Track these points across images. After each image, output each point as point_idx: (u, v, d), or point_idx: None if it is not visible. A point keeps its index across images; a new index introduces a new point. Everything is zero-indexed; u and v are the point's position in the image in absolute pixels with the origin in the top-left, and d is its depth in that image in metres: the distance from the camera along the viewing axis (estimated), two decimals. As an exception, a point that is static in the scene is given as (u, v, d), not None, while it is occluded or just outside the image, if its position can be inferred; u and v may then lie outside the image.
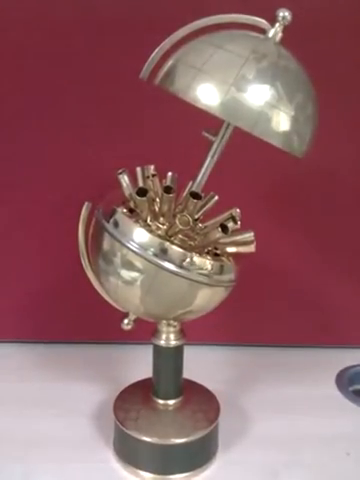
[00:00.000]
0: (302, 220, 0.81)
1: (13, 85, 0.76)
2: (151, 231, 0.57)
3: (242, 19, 0.56)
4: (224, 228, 0.56)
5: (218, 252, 0.60)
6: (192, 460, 0.63)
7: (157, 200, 0.60)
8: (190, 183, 0.61)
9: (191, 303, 0.58)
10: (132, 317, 0.63)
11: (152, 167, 0.62)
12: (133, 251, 0.55)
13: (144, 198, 0.56)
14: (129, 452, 0.63)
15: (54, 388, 0.76)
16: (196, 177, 0.59)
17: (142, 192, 0.56)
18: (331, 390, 0.77)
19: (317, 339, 0.85)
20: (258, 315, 0.84)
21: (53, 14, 0.74)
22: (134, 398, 0.66)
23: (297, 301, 0.84)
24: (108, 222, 0.57)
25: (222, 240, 0.58)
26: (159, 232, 0.57)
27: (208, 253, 0.59)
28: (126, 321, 0.63)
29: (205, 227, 0.60)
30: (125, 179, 0.59)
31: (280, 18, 0.55)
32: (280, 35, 0.55)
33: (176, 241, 0.56)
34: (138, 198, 0.57)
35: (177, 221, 0.55)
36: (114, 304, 0.62)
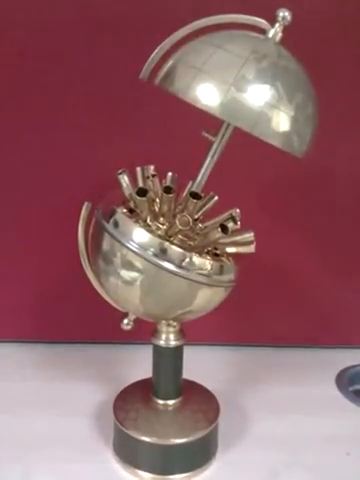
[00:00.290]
0: (302, 220, 0.81)
1: (13, 85, 0.76)
2: (151, 231, 0.57)
3: (242, 19, 0.56)
4: (224, 228, 0.56)
5: (218, 252, 0.60)
6: (192, 460, 0.63)
7: (157, 200, 0.60)
8: (190, 183, 0.61)
9: (191, 303, 0.58)
10: (132, 317, 0.63)
11: (152, 167, 0.62)
12: (133, 251, 0.55)
13: (144, 198, 0.56)
14: (129, 452, 0.63)
15: (54, 388, 0.76)
16: (196, 177, 0.59)
17: (142, 192, 0.56)
18: (331, 390, 0.77)
19: (317, 339, 0.85)
20: (258, 315, 0.84)
21: (53, 14, 0.74)
22: (134, 398, 0.66)
23: (297, 301, 0.84)
24: (108, 222, 0.57)
25: (222, 240, 0.58)
26: (159, 232, 0.57)
27: (208, 253, 0.59)
28: (126, 321, 0.63)
29: (205, 227, 0.60)
30: (125, 179, 0.59)
31: (280, 18, 0.55)
32: (280, 35, 0.55)
33: (176, 241, 0.56)
34: (138, 198, 0.57)
35: (177, 221, 0.55)
36: (114, 304, 0.62)
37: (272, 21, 0.55)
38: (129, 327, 0.63)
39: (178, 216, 0.55)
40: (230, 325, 0.83)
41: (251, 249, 0.59)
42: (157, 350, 0.64)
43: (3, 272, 0.83)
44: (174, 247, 0.56)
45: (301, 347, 0.85)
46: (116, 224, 0.57)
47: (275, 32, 0.55)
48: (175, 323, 0.63)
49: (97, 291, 0.63)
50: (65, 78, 0.75)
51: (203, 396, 0.67)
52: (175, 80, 0.53)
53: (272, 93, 0.52)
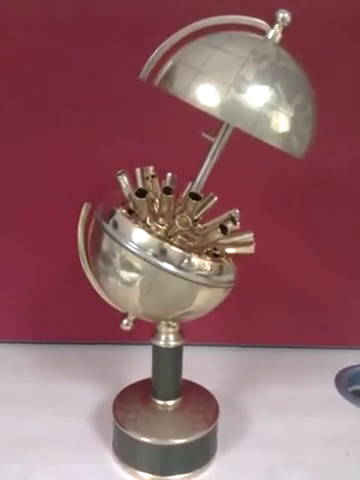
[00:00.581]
0: (301, 221, 0.81)
1: (13, 85, 0.76)
2: (150, 232, 0.57)
3: (241, 20, 0.56)
4: (223, 229, 0.56)
5: (217, 253, 0.60)
6: (191, 461, 0.63)
7: (156, 201, 0.60)
8: (189, 184, 0.61)
9: (190, 304, 0.58)
10: (131, 318, 0.63)
11: (151, 168, 0.62)
12: (132, 252, 0.55)
13: (143, 199, 0.56)
14: (128, 453, 0.63)
15: (53, 388, 0.76)
16: (195, 178, 0.59)
17: (141, 193, 0.56)
18: (330, 391, 0.77)
19: (316, 340, 0.86)
20: (257, 316, 0.84)
21: (53, 14, 0.74)
22: (133, 399, 0.66)
23: (297, 302, 0.84)
24: (107, 223, 0.57)
25: (221, 241, 0.58)
26: (158, 233, 0.57)
27: (207, 254, 0.59)
28: (125, 322, 0.63)
29: (204, 228, 0.60)
30: (124, 180, 0.59)
31: (279, 19, 0.55)
32: (279, 36, 0.55)
33: (175, 242, 0.56)
34: (137, 199, 0.57)
35: (176, 222, 0.55)
36: (113, 305, 0.62)
37: (271, 22, 0.55)
38: (128, 327, 0.63)
39: (177, 217, 0.55)
40: (230, 326, 0.83)
41: (251, 250, 0.59)
42: (156, 350, 0.64)
43: (2, 272, 0.83)
44: (173, 248, 0.56)
45: (300, 348, 0.85)
46: (115, 225, 0.57)
47: (274, 33, 0.55)
48: (174, 324, 0.63)
49: (96, 292, 0.63)
50: (65, 78, 0.75)
51: (202, 396, 0.67)
52: (175, 81, 0.53)
53: (271, 94, 0.52)
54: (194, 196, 0.57)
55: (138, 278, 0.56)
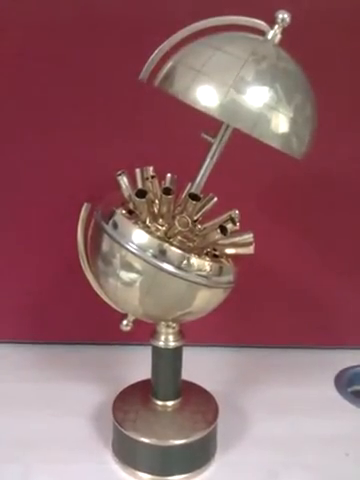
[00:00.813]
0: (301, 221, 0.81)
1: (13, 86, 0.76)
2: (150, 232, 0.57)
3: (241, 21, 0.56)
4: (223, 229, 0.56)
5: (217, 253, 0.60)
6: (191, 461, 0.63)
7: (156, 201, 0.60)
8: (189, 184, 0.61)
9: (190, 304, 0.58)
10: (131, 318, 0.63)
11: (151, 168, 0.62)
12: (132, 252, 0.55)
13: (143, 199, 0.56)
14: (128, 453, 0.63)
15: (53, 389, 0.76)
16: (195, 178, 0.59)
17: (141, 193, 0.56)
18: (330, 391, 0.78)
19: (316, 340, 0.86)
20: (257, 316, 0.84)
21: (53, 15, 0.74)
22: (133, 399, 0.66)
23: (296, 302, 0.84)
24: (107, 223, 0.57)
25: (221, 241, 0.58)
26: (158, 233, 0.57)
27: (207, 254, 0.59)
28: (125, 322, 0.63)
29: (204, 228, 0.60)
30: (124, 180, 0.59)
31: (279, 20, 0.55)
32: (279, 37, 0.55)
33: (175, 242, 0.56)
34: (137, 199, 0.57)
35: (176, 222, 0.55)
36: (113, 305, 0.62)
37: (271, 23, 0.55)
38: (128, 328, 0.63)
39: (177, 217, 0.55)
40: (229, 326, 0.83)
41: (250, 250, 0.59)
42: (156, 351, 0.64)
43: (2, 272, 0.83)
44: (173, 248, 0.56)
45: (300, 348, 0.85)
46: (115, 225, 0.57)
47: (274, 34, 0.55)
48: (174, 324, 0.63)
49: (96, 292, 0.63)
50: (65, 78, 0.75)
51: (202, 397, 0.67)
52: (174, 81, 0.53)
53: (271, 95, 0.52)
54: (194, 197, 0.57)
55: (138, 279, 0.56)
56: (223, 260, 0.60)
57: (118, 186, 0.59)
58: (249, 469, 0.64)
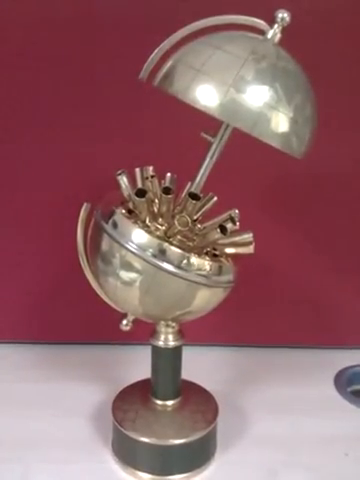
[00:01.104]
0: (301, 221, 0.81)
1: (12, 86, 0.76)
2: (150, 232, 0.57)
3: (241, 20, 0.56)
4: (223, 229, 0.56)
5: (217, 253, 0.60)
6: (191, 461, 0.63)
7: (156, 201, 0.60)
8: (189, 184, 0.61)
9: (190, 304, 0.58)
10: (131, 318, 0.63)
11: (151, 168, 0.62)
12: (132, 252, 0.55)
13: (143, 199, 0.56)
14: (128, 453, 0.63)
15: (53, 389, 0.76)
16: (195, 178, 0.59)
17: (141, 193, 0.56)
18: (330, 391, 0.78)
19: (316, 340, 0.86)
20: (257, 316, 0.84)
21: (52, 14, 0.74)
22: (133, 399, 0.66)
23: (296, 302, 0.84)
24: (107, 223, 0.57)
25: (221, 241, 0.58)
26: (158, 233, 0.57)
27: (207, 254, 0.59)
28: (125, 322, 0.63)
29: (204, 228, 0.60)
30: (124, 180, 0.59)
31: (279, 19, 0.55)
32: (279, 36, 0.55)
33: (175, 242, 0.56)
34: (137, 199, 0.57)
35: (176, 222, 0.55)
36: (113, 305, 0.62)
37: (271, 22, 0.55)
38: (128, 328, 0.63)
39: (177, 217, 0.55)
40: (229, 326, 0.83)
41: (250, 250, 0.59)
42: (156, 351, 0.64)
43: (2, 272, 0.83)
44: (173, 248, 0.56)
45: (300, 347, 0.85)
46: (115, 225, 0.57)
47: (274, 33, 0.55)
48: (174, 324, 0.63)
49: (96, 292, 0.63)
50: (65, 78, 0.75)
51: (202, 396, 0.67)
52: (174, 81, 0.53)
53: (271, 94, 0.52)
54: (193, 196, 0.57)
55: (137, 278, 0.56)
56: (223, 259, 0.60)
57: (118, 186, 0.59)
58: (249, 468, 0.64)
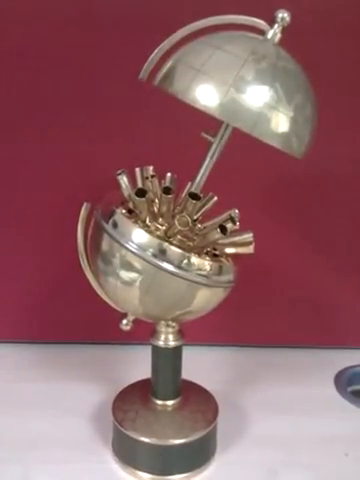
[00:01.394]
0: (301, 221, 0.81)
1: (12, 85, 0.76)
2: (150, 232, 0.57)
3: (241, 20, 0.56)
4: (223, 229, 0.56)
5: (217, 253, 0.60)
6: (191, 461, 0.63)
7: (156, 201, 0.60)
8: (189, 184, 0.61)
9: (190, 304, 0.58)
10: (131, 318, 0.63)
11: (151, 168, 0.62)
12: (132, 252, 0.55)
13: (143, 199, 0.56)
14: (128, 453, 0.63)
15: (53, 388, 0.76)
16: (195, 178, 0.59)
17: (141, 193, 0.56)
18: (330, 391, 0.78)
19: (316, 340, 0.86)
20: (257, 316, 0.84)
21: (52, 14, 0.74)
22: (133, 399, 0.66)
23: (296, 302, 0.84)
24: (107, 223, 0.57)
25: (221, 241, 0.58)
26: (158, 233, 0.57)
27: (207, 254, 0.59)
28: (125, 322, 0.63)
29: (204, 228, 0.60)
30: (124, 180, 0.59)
31: (279, 19, 0.55)
32: (279, 36, 0.55)
33: (175, 242, 0.56)
34: (137, 199, 0.57)
35: (176, 222, 0.55)
36: (113, 305, 0.62)
37: (271, 22, 0.55)
38: (128, 327, 0.63)
39: (177, 217, 0.55)
40: (229, 325, 0.83)
41: (250, 250, 0.59)
42: (156, 350, 0.64)
43: (2, 272, 0.83)
44: (173, 248, 0.56)
45: (300, 347, 0.85)
46: (115, 225, 0.57)
47: (274, 33, 0.55)
48: (174, 323, 0.63)
49: (96, 291, 0.63)
50: (65, 78, 0.75)
51: (202, 396, 0.67)
52: (174, 81, 0.53)
53: (271, 94, 0.52)
54: (194, 196, 0.57)
55: (138, 278, 0.56)
56: (223, 259, 0.60)
57: (118, 185, 0.59)
58: (249, 468, 0.64)
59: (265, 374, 0.80)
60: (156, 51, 0.58)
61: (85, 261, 0.62)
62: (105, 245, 0.58)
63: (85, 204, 0.61)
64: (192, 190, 0.59)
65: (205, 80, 0.52)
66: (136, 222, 0.57)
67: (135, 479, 0.63)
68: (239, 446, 0.68)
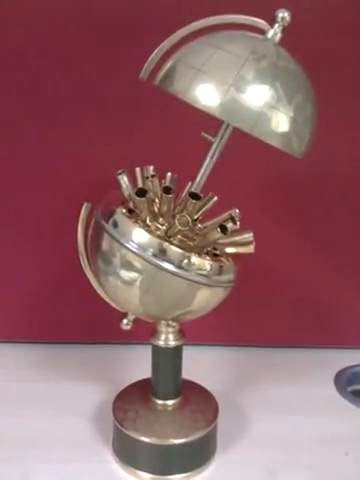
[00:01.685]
0: (301, 221, 0.81)
1: (13, 85, 0.76)
2: (150, 231, 0.57)
3: (241, 20, 0.56)
4: (223, 229, 0.56)
5: (217, 252, 0.60)
6: (191, 460, 0.63)
7: (156, 201, 0.60)
8: (189, 183, 0.61)
9: (190, 303, 0.58)
10: (131, 317, 0.63)
11: (151, 168, 0.62)
12: (132, 251, 0.55)
13: (143, 198, 0.56)
14: (128, 452, 0.63)
15: (53, 388, 0.76)
16: (195, 177, 0.59)
17: (141, 192, 0.57)
18: (330, 390, 0.78)
19: (316, 339, 0.86)
20: (257, 315, 0.84)
21: (52, 14, 0.74)
22: (133, 398, 0.66)
23: (296, 302, 0.84)
24: (107, 222, 0.57)
25: (221, 241, 0.58)
26: (158, 232, 0.57)
27: (207, 254, 0.59)
28: (125, 321, 0.63)
29: (204, 227, 0.60)
30: (124, 180, 0.59)
31: (279, 19, 0.55)
32: (279, 36, 0.55)
33: (175, 241, 0.56)
34: (137, 198, 0.57)
35: (176, 221, 0.55)
36: (113, 304, 0.62)
37: (271, 21, 0.55)
38: (128, 327, 0.63)
39: (177, 216, 0.55)
40: (229, 325, 0.83)
41: (250, 249, 0.59)
42: (156, 350, 0.64)
43: (2, 272, 0.83)
44: (173, 247, 0.56)
45: (300, 347, 0.85)
46: (115, 224, 0.57)
47: (274, 33, 0.55)
48: (174, 323, 0.63)
49: (96, 291, 0.63)
50: (65, 78, 0.75)
51: (202, 396, 0.67)
52: (175, 80, 0.53)
53: (271, 94, 0.52)
54: (194, 196, 0.57)
55: (138, 278, 0.56)
56: (223, 259, 0.60)
57: (118, 185, 0.59)
58: (249, 468, 0.64)
59: (265, 374, 0.80)
60: (156, 51, 0.58)
61: (85, 261, 0.62)
62: (105, 245, 0.58)
63: (85, 204, 0.61)
64: (192, 190, 0.59)
65: (205, 80, 0.52)
66: (136, 222, 0.57)
67: (135, 479, 0.63)
68: (239, 446, 0.68)
